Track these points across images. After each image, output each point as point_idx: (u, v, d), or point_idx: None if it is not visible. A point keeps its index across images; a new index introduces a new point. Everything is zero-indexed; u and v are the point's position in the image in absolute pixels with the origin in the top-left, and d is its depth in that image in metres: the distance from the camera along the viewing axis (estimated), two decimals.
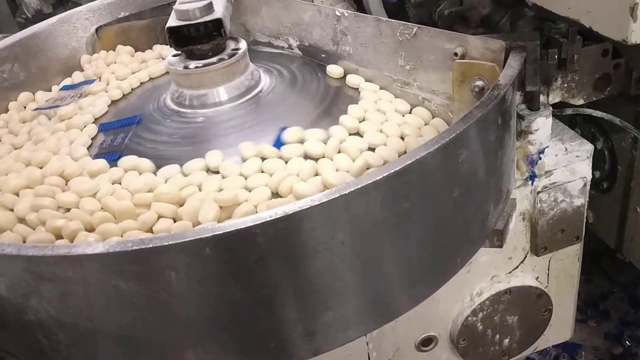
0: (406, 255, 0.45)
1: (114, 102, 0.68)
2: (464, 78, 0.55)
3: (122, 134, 0.60)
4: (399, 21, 0.61)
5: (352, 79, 0.65)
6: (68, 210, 0.51)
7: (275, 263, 0.41)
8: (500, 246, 0.53)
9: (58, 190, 0.53)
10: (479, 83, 0.54)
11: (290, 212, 0.38)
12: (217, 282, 0.41)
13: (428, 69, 0.59)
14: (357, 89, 0.64)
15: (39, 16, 1.22)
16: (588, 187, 0.69)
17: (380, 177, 0.40)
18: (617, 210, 0.83)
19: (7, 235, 0.50)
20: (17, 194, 0.54)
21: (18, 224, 0.51)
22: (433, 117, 0.60)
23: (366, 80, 0.65)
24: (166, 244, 0.37)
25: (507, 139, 0.52)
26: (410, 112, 0.61)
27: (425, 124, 0.59)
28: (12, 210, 0.52)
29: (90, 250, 0.37)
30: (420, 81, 0.61)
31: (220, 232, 0.37)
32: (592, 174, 0.70)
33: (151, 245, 0.37)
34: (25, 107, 0.72)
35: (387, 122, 0.58)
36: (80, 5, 0.82)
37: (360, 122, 0.57)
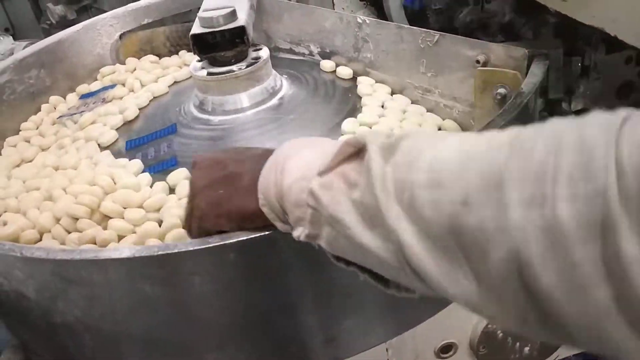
0: None
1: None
2: (486, 85, 0.55)
3: (165, 143, 0.60)
4: (421, 28, 0.61)
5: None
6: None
7: (297, 269, 0.41)
8: None
9: (101, 197, 0.53)
10: (502, 90, 0.54)
11: None
12: (240, 286, 0.41)
13: (450, 76, 0.59)
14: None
15: (63, 22, 1.24)
16: None
17: None
18: None
19: (46, 236, 0.51)
20: (64, 190, 0.54)
21: (57, 224, 0.51)
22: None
23: (388, 89, 0.66)
24: (191, 249, 0.37)
25: None
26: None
27: None
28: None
29: (117, 255, 0.38)
30: (442, 88, 0.61)
31: (244, 238, 0.37)
32: None
33: (176, 250, 0.37)
34: (55, 108, 0.74)
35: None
36: (104, 11, 0.84)
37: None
